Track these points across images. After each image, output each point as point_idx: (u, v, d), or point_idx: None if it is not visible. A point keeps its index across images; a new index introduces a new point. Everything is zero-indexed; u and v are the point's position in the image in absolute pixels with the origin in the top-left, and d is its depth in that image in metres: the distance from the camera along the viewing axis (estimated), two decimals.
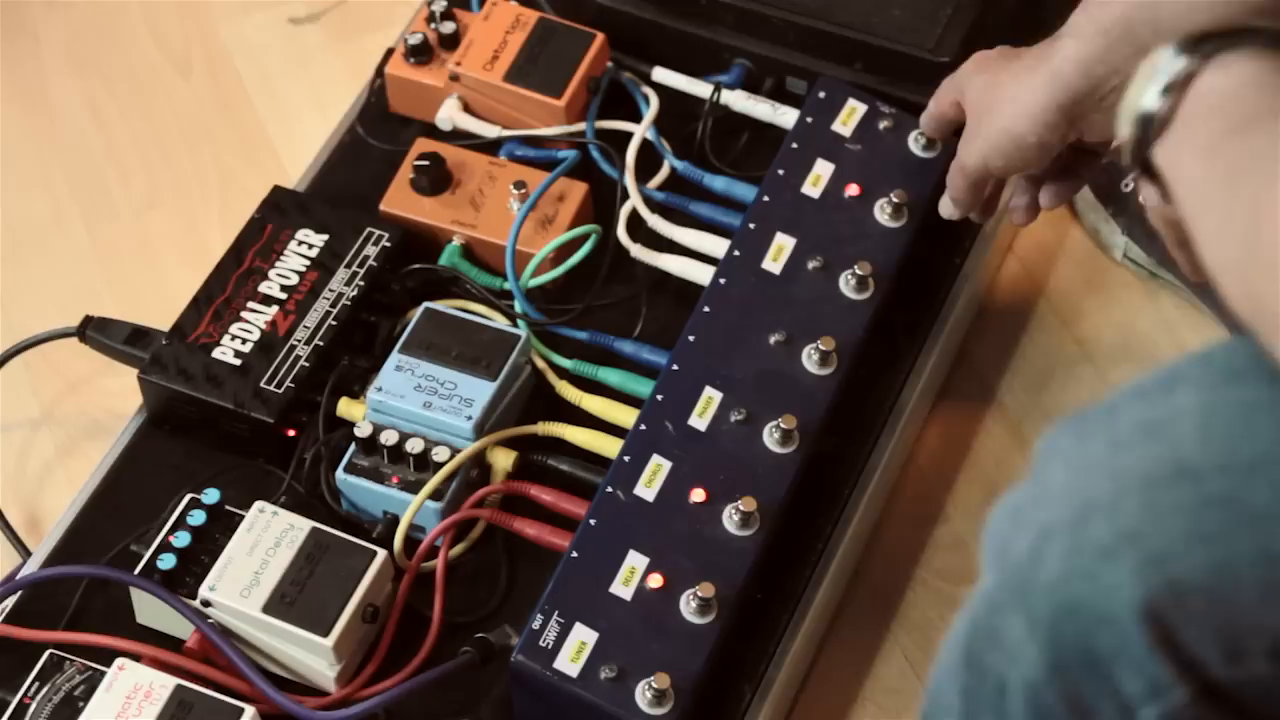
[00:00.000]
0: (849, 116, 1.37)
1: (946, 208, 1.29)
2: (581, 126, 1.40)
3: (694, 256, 1.35)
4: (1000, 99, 1.19)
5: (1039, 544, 0.80)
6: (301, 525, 1.19)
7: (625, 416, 1.27)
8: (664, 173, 1.40)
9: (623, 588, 1.16)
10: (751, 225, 1.31)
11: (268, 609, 1.16)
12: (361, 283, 1.32)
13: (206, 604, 1.17)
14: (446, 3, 1.44)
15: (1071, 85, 1.14)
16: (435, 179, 1.36)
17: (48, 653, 1.16)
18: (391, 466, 1.24)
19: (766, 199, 1.33)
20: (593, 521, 1.18)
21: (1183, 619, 0.77)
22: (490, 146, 1.41)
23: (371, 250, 1.33)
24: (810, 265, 1.29)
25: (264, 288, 1.31)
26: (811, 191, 1.33)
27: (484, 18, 1.44)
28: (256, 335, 1.29)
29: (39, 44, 1.65)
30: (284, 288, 1.31)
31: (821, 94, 1.37)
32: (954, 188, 1.26)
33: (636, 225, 1.36)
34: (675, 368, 1.25)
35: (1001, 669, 0.83)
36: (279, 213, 1.36)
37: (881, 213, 1.32)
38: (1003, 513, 0.84)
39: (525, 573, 1.24)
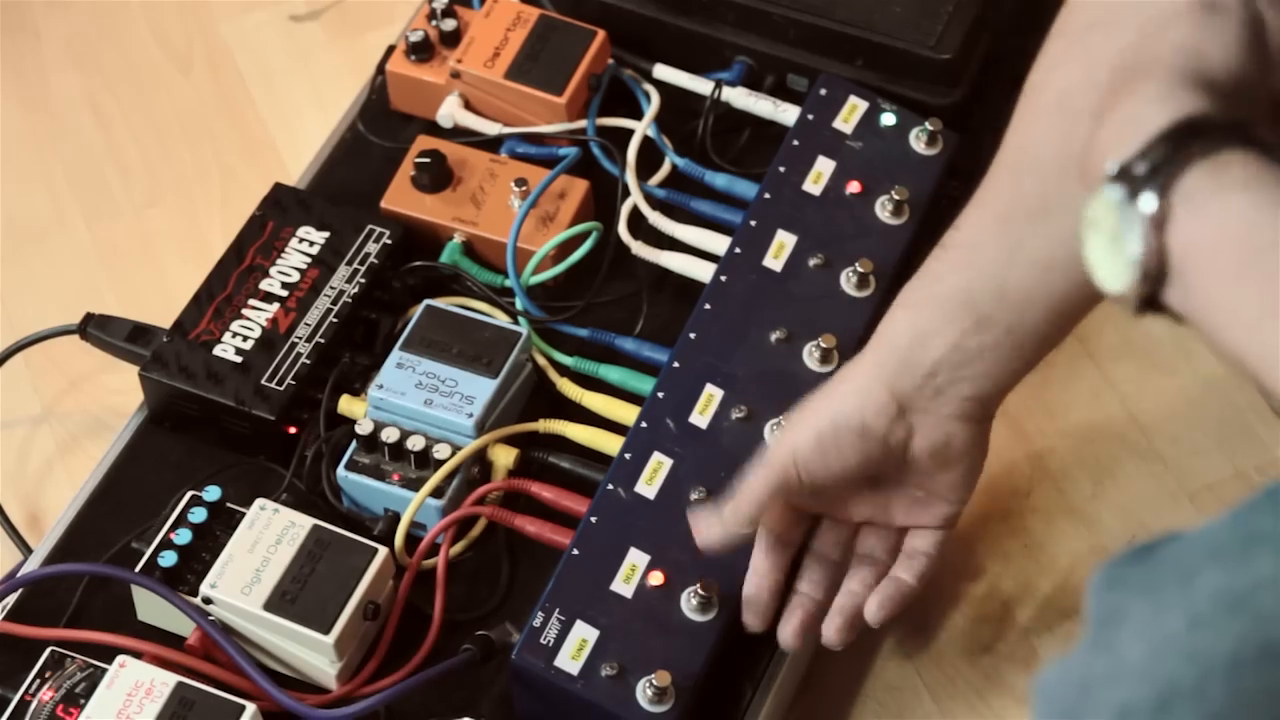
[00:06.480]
0: (850, 114, 1.37)
1: (712, 531, 1.12)
2: (582, 124, 1.40)
3: (695, 254, 1.35)
4: (827, 386, 1.11)
5: None
6: (302, 522, 1.19)
7: (626, 414, 1.27)
8: (665, 170, 1.39)
9: (623, 585, 1.16)
10: (752, 222, 1.31)
11: (269, 606, 1.16)
12: (362, 280, 1.32)
13: (208, 601, 1.17)
14: (447, 0, 1.44)
15: (905, 358, 1.07)
16: (436, 176, 1.36)
17: (49, 650, 1.16)
18: (392, 464, 1.24)
19: (767, 196, 1.33)
20: (594, 519, 1.18)
21: None
22: (491, 144, 1.41)
23: (372, 247, 1.33)
24: (811, 262, 1.29)
25: (265, 285, 1.31)
26: (812, 189, 1.33)
27: (485, 15, 1.44)
28: (257, 332, 1.29)
29: (40, 41, 1.65)
30: (285, 285, 1.31)
31: (823, 91, 1.37)
32: (743, 497, 1.11)
33: (637, 222, 1.36)
34: (676, 365, 1.25)
35: None
36: (280, 210, 1.36)
37: (883, 210, 1.32)
38: (1067, 679, 0.79)
39: (526, 570, 1.24)
